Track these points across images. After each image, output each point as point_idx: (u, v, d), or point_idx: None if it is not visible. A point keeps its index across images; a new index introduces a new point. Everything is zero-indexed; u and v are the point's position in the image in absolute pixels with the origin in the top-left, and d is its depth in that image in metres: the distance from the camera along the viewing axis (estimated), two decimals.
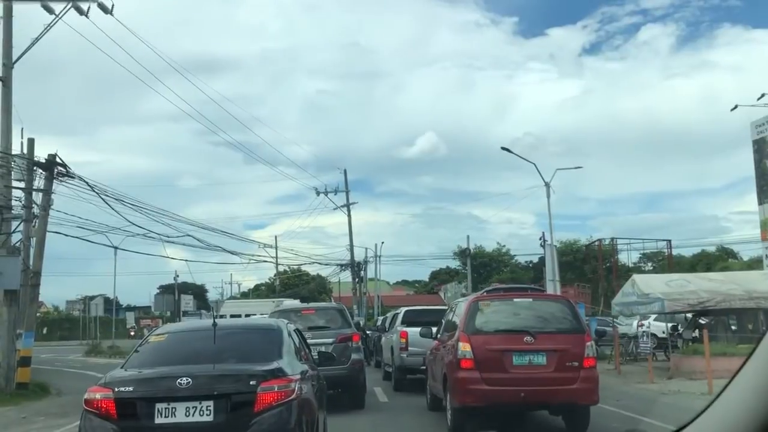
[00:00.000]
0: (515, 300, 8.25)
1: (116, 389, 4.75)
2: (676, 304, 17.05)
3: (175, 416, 4.65)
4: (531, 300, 8.28)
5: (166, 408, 4.64)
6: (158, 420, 4.64)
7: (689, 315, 20.53)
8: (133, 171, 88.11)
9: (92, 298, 45.40)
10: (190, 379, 4.69)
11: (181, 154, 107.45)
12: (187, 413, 4.65)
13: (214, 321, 5.53)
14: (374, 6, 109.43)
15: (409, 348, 13.06)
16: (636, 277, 19.58)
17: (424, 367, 11.64)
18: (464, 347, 7.59)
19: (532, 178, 72.26)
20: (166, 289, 57.67)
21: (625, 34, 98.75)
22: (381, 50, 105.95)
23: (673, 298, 16.99)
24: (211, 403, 4.67)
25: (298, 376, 5.13)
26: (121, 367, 5.32)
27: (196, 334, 5.97)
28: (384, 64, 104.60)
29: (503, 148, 24.52)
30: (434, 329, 10.32)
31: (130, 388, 4.76)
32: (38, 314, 53.38)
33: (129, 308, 62.51)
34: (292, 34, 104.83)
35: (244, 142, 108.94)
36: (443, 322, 9.95)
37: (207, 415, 4.65)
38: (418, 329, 12.18)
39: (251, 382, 4.75)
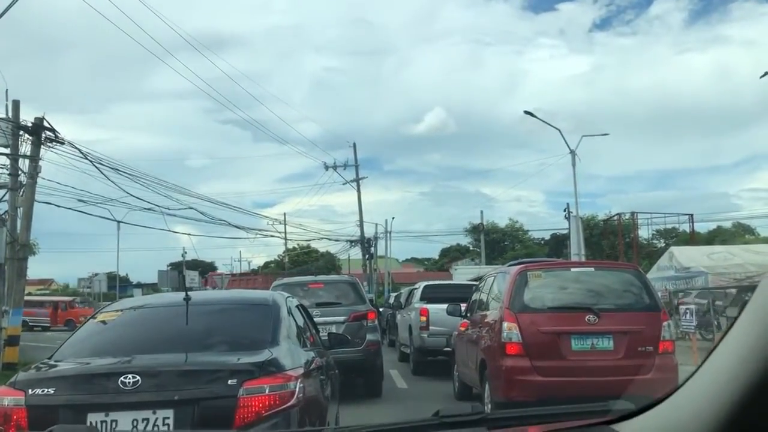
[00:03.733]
0: (572, 270, 6.71)
1: (30, 392, 3.27)
2: (722, 279, 15.67)
3: None
4: (593, 269, 6.73)
5: (102, 421, 3.18)
6: None
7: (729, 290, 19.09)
8: (141, 149, 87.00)
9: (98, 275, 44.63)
10: (138, 377, 3.23)
11: (188, 131, 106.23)
12: (134, 427, 3.20)
13: (186, 294, 4.04)
14: None
15: (431, 327, 11.68)
16: (674, 249, 18.09)
17: (447, 349, 10.33)
18: (510, 328, 6.08)
19: (542, 154, 70.41)
20: (175, 267, 56.77)
21: (636, 8, 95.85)
22: (388, 26, 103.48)
23: (718, 272, 15.63)
24: (170, 412, 3.21)
25: (300, 371, 3.69)
26: (49, 358, 3.82)
27: (162, 311, 4.43)
28: (391, 40, 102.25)
29: (526, 112, 23.21)
30: (463, 306, 8.89)
31: (51, 390, 3.27)
32: (47, 291, 53.55)
33: (137, 285, 61.71)
34: (298, 10, 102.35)
35: (252, 120, 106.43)
36: (474, 298, 8.48)
37: (163, 431, 3.20)
38: (439, 306, 10.93)
39: (230, 382, 3.28)
